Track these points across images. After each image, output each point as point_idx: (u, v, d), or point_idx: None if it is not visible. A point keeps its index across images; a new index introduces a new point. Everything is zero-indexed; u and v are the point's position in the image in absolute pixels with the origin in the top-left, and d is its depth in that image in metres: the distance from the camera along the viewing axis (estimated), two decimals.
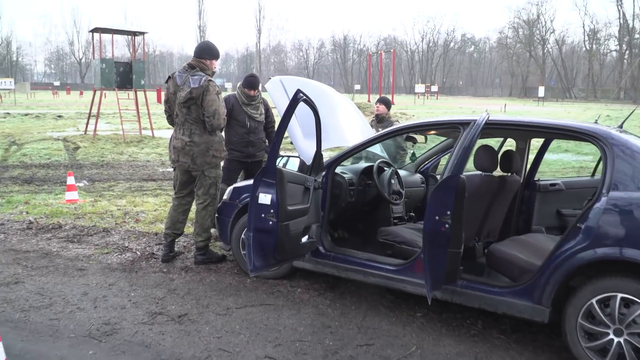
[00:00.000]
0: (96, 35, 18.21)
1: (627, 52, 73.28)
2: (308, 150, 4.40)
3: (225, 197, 5.15)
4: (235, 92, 6.02)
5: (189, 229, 5.96)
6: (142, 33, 19.22)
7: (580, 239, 3.29)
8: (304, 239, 4.05)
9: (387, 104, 7.21)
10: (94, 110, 18.55)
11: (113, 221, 6.88)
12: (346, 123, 5.20)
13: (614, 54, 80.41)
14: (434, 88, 68.32)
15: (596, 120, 4.43)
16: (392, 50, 54.36)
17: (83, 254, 5.48)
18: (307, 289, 4.62)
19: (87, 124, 18.71)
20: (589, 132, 3.59)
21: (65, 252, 5.57)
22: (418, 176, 5.63)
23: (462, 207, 3.04)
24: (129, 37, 23.39)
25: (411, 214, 5.41)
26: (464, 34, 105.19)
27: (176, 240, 5.44)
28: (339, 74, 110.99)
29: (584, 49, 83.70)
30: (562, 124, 3.80)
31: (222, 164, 5.31)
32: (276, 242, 3.67)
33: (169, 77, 5.09)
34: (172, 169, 5.48)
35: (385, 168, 4.91)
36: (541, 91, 51.52)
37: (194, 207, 5.33)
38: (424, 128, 4.58)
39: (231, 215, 4.98)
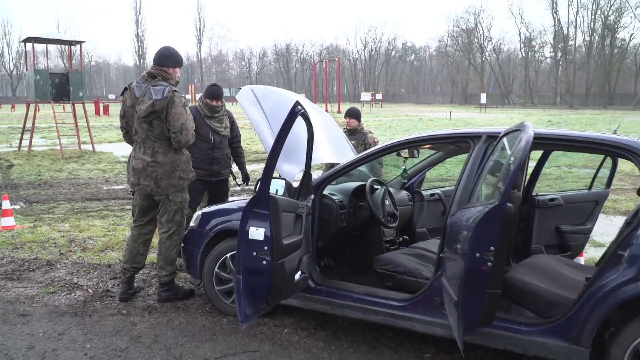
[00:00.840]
0: (29, 45, 16.97)
1: (562, 58, 76.28)
2: (291, 170, 3.84)
3: (192, 223, 4.49)
4: (196, 104, 5.39)
5: (151, 257, 5.24)
6: (79, 42, 18.09)
7: (624, 269, 2.86)
8: (297, 275, 3.47)
9: (358, 116, 6.65)
10: (29, 125, 17.28)
11: (57, 251, 6.05)
12: (331, 138, 4.68)
13: (549, 60, 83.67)
14: (379, 96, 68.85)
15: (615, 130, 4.08)
16: (337, 59, 54.34)
17: (25, 295, 4.67)
18: (295, 328, 4.02)
19: (21, 139, 17.40)
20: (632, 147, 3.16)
21: (4, 292, 4.74)
22: (404, 193, 5.13)
23: (506, 242, 2.54)
24: (63, 47, 22.08)
25: (405, 237, 4.90)
26: (405, 43, 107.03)
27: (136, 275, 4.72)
28: (282, 83, 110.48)
29: (520, 56, 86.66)
30: (602, 138, 3.33)
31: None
32: (270, 284, 3.07)
33: (125, 89, 4.41)
34: (130, 193, 4.76)
35: (377, 187, 4.39)
36: (483, 98, 52.74)
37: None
38: (431, 142, 4.07)
39: (201, 245, 4.32)
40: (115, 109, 53.31)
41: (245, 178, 5.92)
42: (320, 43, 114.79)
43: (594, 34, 73.68)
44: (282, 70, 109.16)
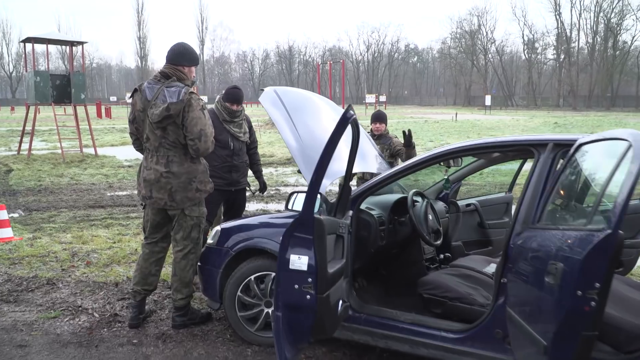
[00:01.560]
0: (28, 46, 16.56)
1: (565, 60, 75.82)
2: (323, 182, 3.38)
3: (210, 240, 4.02)
4: (214, 107, 4.93)
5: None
6: (81, 43, 17.63)
7: None
8: (339, 306, 3.00)
9: (385, 120, 6.19)
10: (28, 127, 16.84)
11: (58, 266, 5.58)
12: (364, 145, 4.23)
13: (552, 62, 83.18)
14: (382, 98, 68.42)
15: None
16: (341, 61, 53.90)
17: (23, 321, 4.19)
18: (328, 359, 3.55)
19: (21, 142, 16.96)
20: None
21: None
22: (441, 204, 4.66)
23: (612, 277, 2.07)
24: (64, 48, 21.66)
25: (446, 254, 4.41)
26: (408, 44, 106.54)
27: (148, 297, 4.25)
28: (284, 84, 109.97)
29: (523, 58, 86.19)
30: None
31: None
32: (315, 320, 2.60)
33: (135, 90, 3.95)
34: (141, 206, 4.29)
35: (417, 200, 3.91)
36: (488, 100, 52.31)
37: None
38: (489, 150, 3.60)
39: (220, 264, 3.85)
40: (118, 111, 52.94)
41: (263, 187, 5.46)
42: (323, 45, 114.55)
43: (597, 36, 73.22)
44: (285, 72, 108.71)
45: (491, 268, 4.02)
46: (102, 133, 25.12)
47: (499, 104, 72.06)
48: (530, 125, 33.70)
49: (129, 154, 16.14)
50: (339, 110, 4.73)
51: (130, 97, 4.04)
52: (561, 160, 3.04)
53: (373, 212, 3.60)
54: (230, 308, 3.75)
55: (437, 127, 30.37)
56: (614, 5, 69.98)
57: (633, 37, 79.99)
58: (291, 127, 3.79)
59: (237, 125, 4.93)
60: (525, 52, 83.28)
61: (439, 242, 3.86)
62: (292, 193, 3.19)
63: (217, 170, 4.75)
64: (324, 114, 4.31)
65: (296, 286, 2.60)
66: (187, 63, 3.98)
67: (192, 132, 3.76)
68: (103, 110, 42.09)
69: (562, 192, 2.82)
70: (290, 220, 3.59)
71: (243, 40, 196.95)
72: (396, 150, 6.02)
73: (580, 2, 78.76)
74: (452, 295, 3.36)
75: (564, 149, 3.03)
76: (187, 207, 3.92)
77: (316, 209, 3.14)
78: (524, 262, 2.70)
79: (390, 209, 3.74)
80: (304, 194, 3.18)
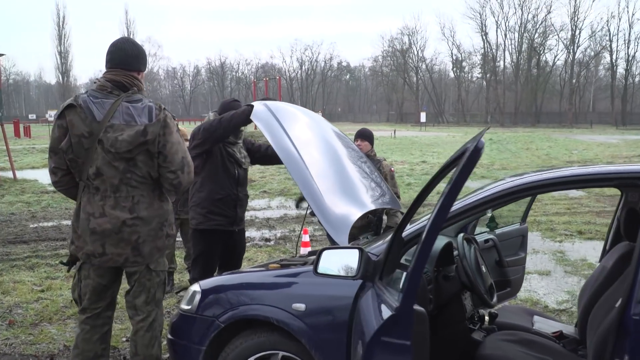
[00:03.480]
0: None
1: (492, 78, 78.60)
2: (347, 215, 2.49)
3: (185, 305, 2.99)
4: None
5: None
6: None
7: None
8: None
9: (371, 139, 5.26)
10: None
11: None
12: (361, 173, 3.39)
13: (479, 80, 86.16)
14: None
15: None
16: (277, 78, 53.15)
17: None
18: None
19: None
20: None
21: None
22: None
23: None
24: None
25: (491, 311, 3.50)
26: (340, 62, 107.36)
27: None
28: (217, 102, 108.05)
29: (451, 76, 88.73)
30: None
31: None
32: None
33: (70, 107, 2.85)
34: (68, 268, 3.12)
35: (463, 246, 3.02)
36: (423, 117, 53.09)
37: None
38: (583, 183, 2.70)
39: (203, 341, 2.82)
40: (37, 130, 49.33)
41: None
42: (255, 62, 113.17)
43: (521, 56, 76.43)
44: (217, 90, 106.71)
45: (542, 324, 3.24)
46: (22, 154, 22.92)
47: (430, 121, 73.47)
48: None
49: None
50: (334, 130, 3.88)
51: (58, 117, 2.87)
52: None
53: None
54: None
55: (378, 144, 30.05)
56: (537, 26, 73.42)
57: (555, 57, 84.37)
58: (292, 147, 2.92)
59: (239, 148, 4.03)
60: (454, 70, 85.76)
61: (494, 301, 3.00)
62: (322, 251, 2.25)
63: (220, 206, 3.86)
64: (334, 141, 3.50)
65: None
66: (142, 67, 3.03)
67: (173, 162, 2.85)
68: (22, 129, 39.14)
69: None
70: (303, 272, 2.66)
71: (172, 56, 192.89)
72: (385, 175, 5.17)
73: (505, 23, 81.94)
74: None
75: None
76: (154, 261, 2.91)
77: (353, 270, 2.22)
78: None
79: (436, 260, 2.85)
80: (340, 252, 2.25)
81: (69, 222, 8.76)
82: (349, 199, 2.93)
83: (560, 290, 5.92)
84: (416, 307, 1.76)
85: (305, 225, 6.13)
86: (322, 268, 2.25)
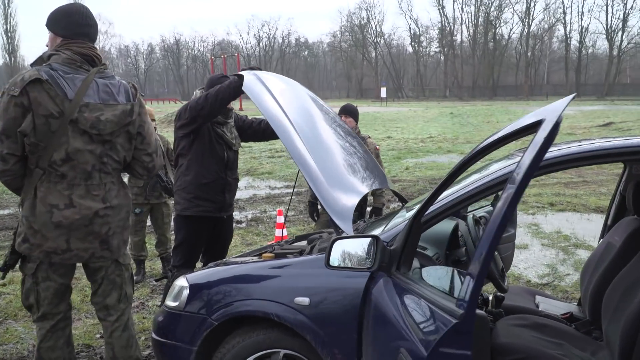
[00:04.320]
0: None
1: (449, 52, 79.16)
2: (348, 203, 2.28)
3: (171, 302, 2.73)
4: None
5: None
6: None
7: None
8: None
9: (355, 115, 5.02)
10: None
11: None
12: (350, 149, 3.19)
13: (437, 55, 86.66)
14: None
15: None
16: (236, 55, 52.11)
17: None
18: None
19: None
20: None
21: None
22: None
23: None
24: None
25: (500, 294, 3.35)
26: (298, 38, 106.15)
27: None
28: (172, 80, 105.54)
29: (410, 50, 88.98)
30: None
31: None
32: None
33: (34, 82, 2.45)
34: (23, 268, 2.75)
35: (475, 228, 2.82)
36: (384, 92, 53.06)
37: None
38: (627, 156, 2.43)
39: (194, 341, 2.59)
40: None
41: None
42: (212, 39, 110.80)
43: (478, 29, 77.13)
44: (173, 67, 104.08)
45: (546, 305, 3.12)
46: None
47: (390, 96, 73.71)
48: (429, 115, 34.32)
49: None
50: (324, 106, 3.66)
51: (18, 93, 2.44)
52: None
53: (428, 252, 2.52)
54: None
55: None
56: None
57: (510, 30, 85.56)
58: (286, 119, 2.70)
59: (229, 129, 3.72)
60: (412, 44, 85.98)
61: (505, 283, 2.85)
62: (335, 241, 2.02)
63: (207, 191, 3.59)
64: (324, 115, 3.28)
65: None
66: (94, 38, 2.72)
67: (151, 143, 2.67)
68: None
69: None
70: (303, 262, 2.44)
71: (125, 34, 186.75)
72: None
73: None
74: None
75: None
76: (122, 255, 2.67)
77: (371, 261, 2.01)
78: None
79: (447, 244, 2.67)
80: (352, 242, 2.03)
81: None
82: (347, 180, 2.72)
83: (540, 264, 5.90)
84: (479, 312, 1.57)
85: (278, 206, 5.91)
86: (334, 260, 2.04)
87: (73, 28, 2.58)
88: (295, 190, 10.49)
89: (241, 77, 3.10)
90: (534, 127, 1.59)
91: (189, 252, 3.67)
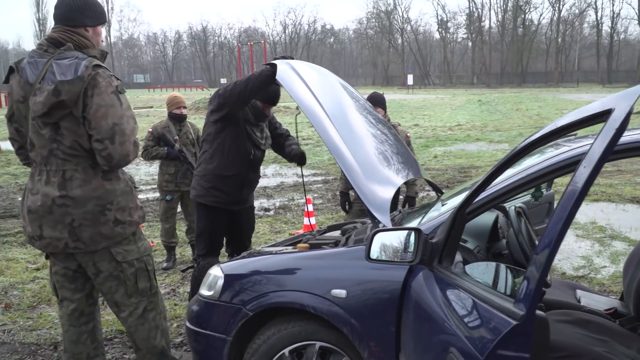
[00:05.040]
0: None
1: (477, 39, 77.87)
2: (385, 194, 2.21)
3: (206, 291, 2.71)
4: None
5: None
6: None
7: None
8: None
9: (383, 104, 4.86)
10: None
11: None
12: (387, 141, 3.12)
13: (464, 41, 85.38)
14: None
15: None
16: (262, 42, 52.12)
17: None
18: None
19: None
20: None
21: None
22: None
23: None
24: None
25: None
26: (324, 25, 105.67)
27: None
28: (200, 67, 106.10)
29: (437, 37, 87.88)
30: None
31: (141, 229, 2.85)
32: None
33: (12, 70, 2.55)
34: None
35: (517, 220, 2.73)
36: (410, 79, 52.52)
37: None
38: None
39: (229, 330, 2.56)
40: None
41: (301, 158, 3.91)
42: (238, 26, 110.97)
43: (506, 15, 75.64)
44: (200, 55, 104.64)
45: (588, 299, 3.02)
46: (4, 124, 22.27)
47: (416, 83, 73.01)
48: (456, 103, 33.84)
49: None
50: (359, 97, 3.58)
51: (5, 81, 2.60)
52: None
53: (468, 246, 2.44)
54: None
55: None
56: None
57: (540, 15, 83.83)
58: (320, 109, 2.64)
59: (261, 129, 3.70)
60: (439, 31, 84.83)
61: (550, 279, 2.76)
62: (375, 233, 1.96)
63: (227, 183, 3.56)
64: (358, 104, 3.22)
65: None
66: (90, 22, 2.59)
67: (99, 128, 2.41)
68: (2, 98, 38.03)
69: None
70: (340, 253, 2.39)
71: (153, 21, 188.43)
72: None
73: None
74: None
75: None
76: (114, 250, 2.59)
77: (412, 254, 1.94)
78: None
79: (487, 237, 2.59)
80: (392, 235, 1.97)
81: None
82: (382, 171, 2.65)
83: (575, 256, 5.76)
84: (539, 312, 1.50)
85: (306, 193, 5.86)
86: (374, 252, 1.98)
87: (54, 15, 2.60)
88: (322, 178, 10.45)
89: (274, 66, 3.04)
90: (601, 116, 1.52)
91: (210, 240, 3.66)
